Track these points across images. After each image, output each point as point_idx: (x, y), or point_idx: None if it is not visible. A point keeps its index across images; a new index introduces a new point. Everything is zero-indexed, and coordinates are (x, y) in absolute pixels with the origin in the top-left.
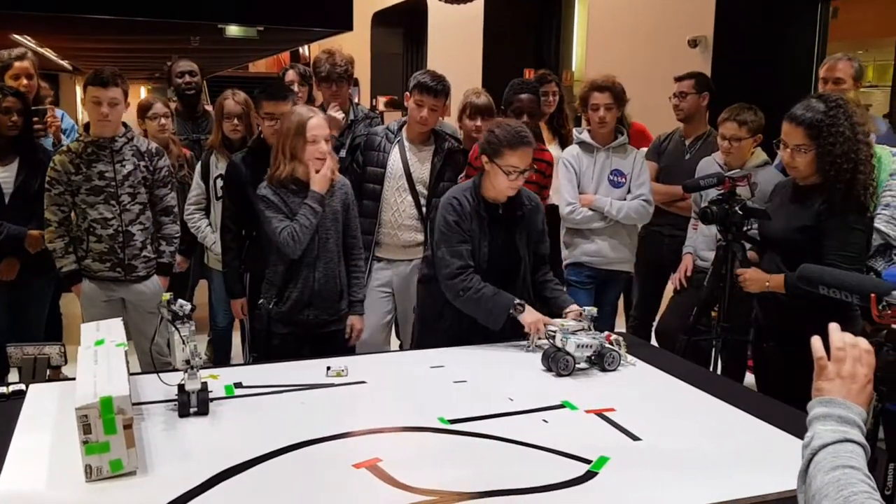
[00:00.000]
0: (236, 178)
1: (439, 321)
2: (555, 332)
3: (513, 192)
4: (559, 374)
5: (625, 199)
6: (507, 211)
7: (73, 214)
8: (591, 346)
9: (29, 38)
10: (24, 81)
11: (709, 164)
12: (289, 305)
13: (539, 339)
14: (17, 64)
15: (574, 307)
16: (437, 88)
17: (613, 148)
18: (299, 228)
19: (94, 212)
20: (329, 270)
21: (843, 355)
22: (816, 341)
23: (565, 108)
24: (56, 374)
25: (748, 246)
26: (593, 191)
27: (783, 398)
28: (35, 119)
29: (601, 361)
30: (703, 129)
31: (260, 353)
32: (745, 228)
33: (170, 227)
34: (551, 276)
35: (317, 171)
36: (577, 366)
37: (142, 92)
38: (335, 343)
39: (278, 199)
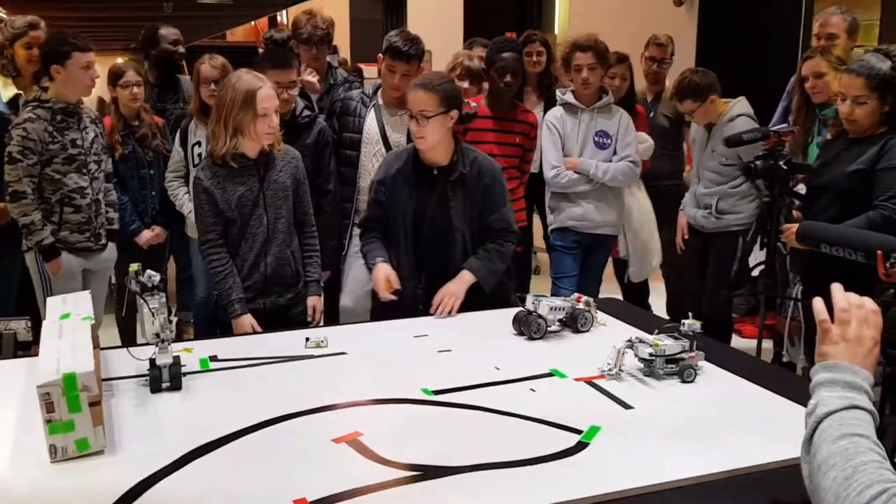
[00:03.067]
0: None
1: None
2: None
3: (416, 138)
4: (531, 338)
5: (611, 161)
6: (442, 174)
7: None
8: (562, 309)
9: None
10: (36, 52)
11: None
12: None
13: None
14: (31, 33)
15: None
16: (410, 53)
17: (598, 108)
18: (212, 265)
19: (69, 181)
20: (281, 253)
21: (848, 317)
22: (818, 303)
23: (552, 70)
24: (36, 351)
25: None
26: (578, 153)
27: None
28: None
29: (574, 323)
30: (662, 86)
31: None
32: (790, 184)
33: (113, 193)
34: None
35: (266, 145)
36: (549, 329)
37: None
38: (296, 327)
39: (215, 184)
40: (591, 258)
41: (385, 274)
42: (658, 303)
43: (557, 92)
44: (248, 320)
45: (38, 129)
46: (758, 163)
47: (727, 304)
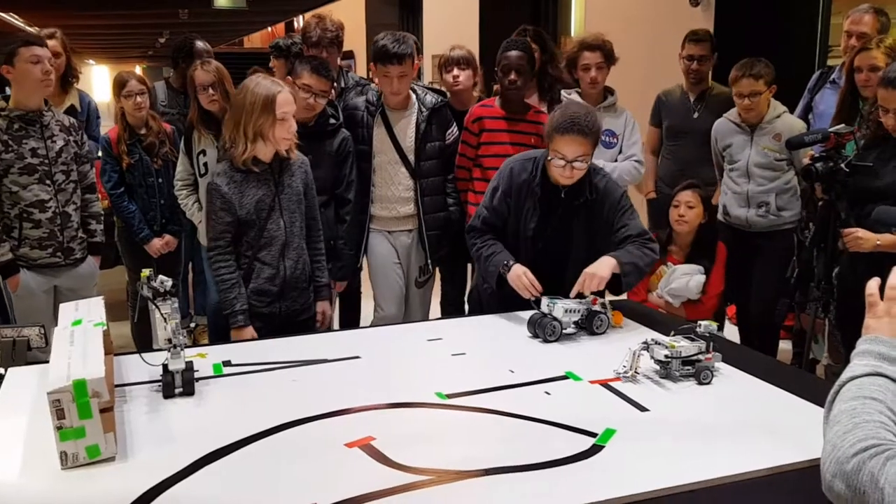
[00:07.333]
0: None
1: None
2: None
3: (565, 181)
4: (546, 341)
5: (616, 161)
6: (569, 196)
7: None
8: (578, 311)
9: (15, 16)
10: (54, 61)
11: (725, 125)
12: (257, 299)
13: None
14: (50, 42)
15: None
16: (400, 53)
17: (604, 108)
18: (219, 272)
19: (28, 194)
20: (298, 256)
21: None
22: (872, 281)
23: (550, 70)
24: None
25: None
26: None
27: None
28: None
29: (589, 325)
30: (706, 85)
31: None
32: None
33: (96, 204)
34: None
35: (286, 150)
36: (564, 331)
37: (136, 71)
38: (307, 332)
39: (233, 189)
40: None
41: (530, 277)
42: None
43: (563, 93)
44: (249, 332)
45: None
46: (818, 164)
47: (787, 310)
